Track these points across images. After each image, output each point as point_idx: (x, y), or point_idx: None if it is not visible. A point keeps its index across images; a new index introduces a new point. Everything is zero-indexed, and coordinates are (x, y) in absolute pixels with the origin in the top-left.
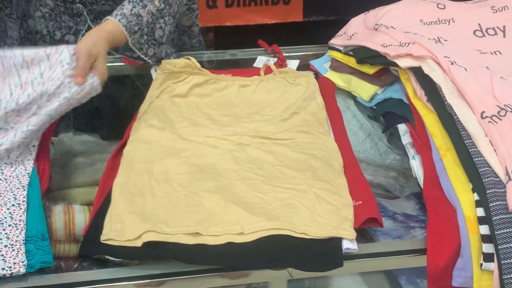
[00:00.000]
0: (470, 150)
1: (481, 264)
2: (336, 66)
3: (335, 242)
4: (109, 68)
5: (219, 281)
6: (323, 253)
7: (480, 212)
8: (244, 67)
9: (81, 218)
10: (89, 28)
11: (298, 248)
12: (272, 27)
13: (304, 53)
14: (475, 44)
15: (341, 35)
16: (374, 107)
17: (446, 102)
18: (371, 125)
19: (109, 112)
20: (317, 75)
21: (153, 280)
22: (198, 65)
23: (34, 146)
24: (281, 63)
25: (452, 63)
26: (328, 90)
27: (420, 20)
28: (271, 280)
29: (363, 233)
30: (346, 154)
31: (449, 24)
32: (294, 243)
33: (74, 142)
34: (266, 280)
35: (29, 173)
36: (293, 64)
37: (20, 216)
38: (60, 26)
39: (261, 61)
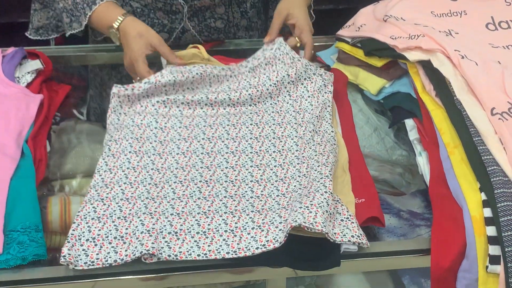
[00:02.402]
0: (478, 148)
1: (487, 267)
2: (343, 58)
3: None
4: (113, 56)
5: (223, 277)
6: (321, 252)
7: (487, 212)
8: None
9: (77, 209)
10: (184, 27)
11: (295, 247)
12: None
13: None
14: (487, 38)
15: (349, 26)
16: (382, 101)
17: (455, 98)
18: (378, 119)
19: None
20: (329, 68)
21: (157, 275)
22: (206, 54)
23: None
24: None
25: (463, 57)
26: (339, 83)
27: (431, 12)
28: (271, 277)
29: (367, 231)
30: (352, 150)
31: (461, 17)
32: (290, 240)
33: (75, 130)
34: (267, 277)
35: None
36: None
37: None
38: (153, 23)
39: None
